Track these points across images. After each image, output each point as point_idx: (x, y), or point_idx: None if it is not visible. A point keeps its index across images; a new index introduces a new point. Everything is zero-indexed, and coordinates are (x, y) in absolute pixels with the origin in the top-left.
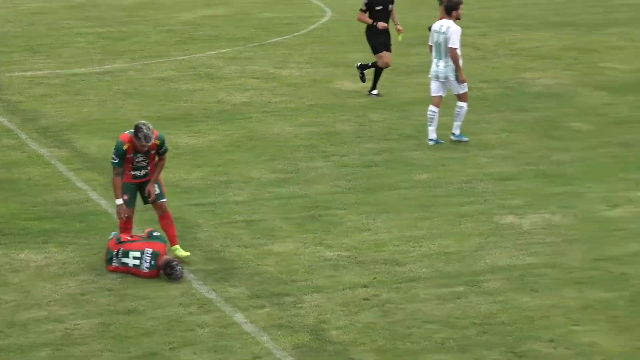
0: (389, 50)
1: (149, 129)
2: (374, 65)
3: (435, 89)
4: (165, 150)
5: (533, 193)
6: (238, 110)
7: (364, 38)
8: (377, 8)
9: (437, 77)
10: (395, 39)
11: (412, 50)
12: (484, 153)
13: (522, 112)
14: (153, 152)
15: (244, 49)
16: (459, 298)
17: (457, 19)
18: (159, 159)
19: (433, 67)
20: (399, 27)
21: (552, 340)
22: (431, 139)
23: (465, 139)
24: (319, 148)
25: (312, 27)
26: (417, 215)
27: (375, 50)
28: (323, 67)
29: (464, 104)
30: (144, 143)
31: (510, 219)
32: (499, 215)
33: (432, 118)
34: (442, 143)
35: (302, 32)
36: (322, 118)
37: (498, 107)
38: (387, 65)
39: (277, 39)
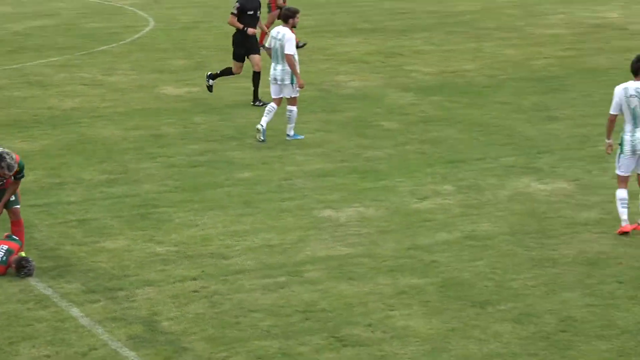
0: (257, 53)
1: (12, 158)
2: (225, 72)
3: (274, 92)
4: (22, 177)
5: (348, 188)
6: (68, 115)
7: (187, 45)
8: (249, 13)
9: (275, 80)
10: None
11: (231, 56)
12: (301, 152)
13: (335, 112)
14: (10, 176)
15: (73, 57)
16: (282, 288)
17: (293, 26)
18: (14, 182)
19: (271, 71)
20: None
21: (369, 325)
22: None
23: (301, 136)
24: (146, 150)
25: (136, 36)
26: (241, 212)
27: (237, 57)
28: (148, 74)
29: (293, 108)
30: (6, 172)
31: (327, 212)
32: (317, 210)
33: (289, 116)
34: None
35: (127, 40)
36: (149, 121)
37: (313, 109)
38: (238, 72)
39: (103, 48)
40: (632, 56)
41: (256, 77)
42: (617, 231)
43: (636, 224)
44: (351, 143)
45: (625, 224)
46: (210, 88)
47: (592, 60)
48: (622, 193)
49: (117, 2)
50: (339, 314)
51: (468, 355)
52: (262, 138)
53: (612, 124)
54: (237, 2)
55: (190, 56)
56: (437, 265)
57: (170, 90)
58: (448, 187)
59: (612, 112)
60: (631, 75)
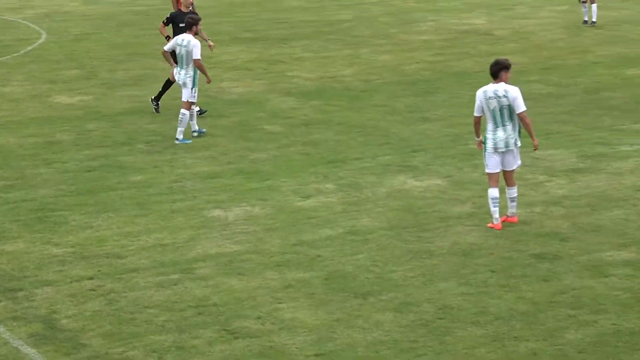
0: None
1: None
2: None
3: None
4: None
5: (235, 189)
6: None
7: (78, 56)
8: (180, 25)
9: (179, 83)
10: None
11: (120, 65)
12: (190, 155)
13: (221, 117)
14: None
15: None
16: (175, 284)
17: (195, 33)
18: None
19: (176, 75)
20: (210, 43)
21: (259, 318)
22: (194, 131)
23: (189, 141)
24: (42, 156)
25: (29, 48)
26: (134, 213)
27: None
28: (41, 84)
29: (186, 112)
30: None
31: (216, 212)
32: (206, 210)
33: (181, 119)
34: (203, 132)
35: (21, 52)
36: (43, 129)
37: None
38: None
39: None
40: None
41: (169, 83)
42: (489, 224)
43: (505, 217)
44: (237, 146)
45: (497, 222)
46: (157, 109)
47: (460, 64)
48: (493, 192)
49: (10, 16)
50: (230, 308)
51: (353, 344)
52: (195, 135)
53: (478, 125)
54: (169, 13)
55: (81, 66)
56: (321, 259)
57: (63, 99)
58: (330, 186)
59: (475, 114)
60: (491, 78)
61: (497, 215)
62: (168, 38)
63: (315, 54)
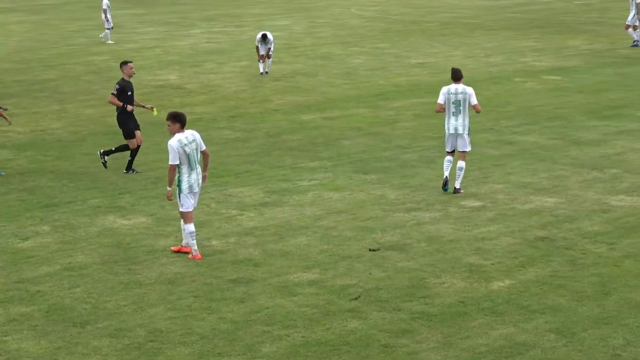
0: (138, 129)
1: None
2: (120, 149)
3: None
4: None
5: None
6: None
7: None
8: (129, 93)
9: None
10: (150, 115)
11: None
12: None
13: None
14: None
15: None
16: None
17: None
18: None
19: None
20: (148, 106)
21: None
22: None
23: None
24: None
25: None
26: None
27: (128, 135)
28: None
29: None
30: None
31: None
32: None
33: None
34: None
35: None
36: None
37: None
38: (139, 145)
39: None
40: (191, 109)
41: (137, 149)
42: (189, 256)
43: (179, 247)
44: None
45: (196, 253)
46: (105, 164)
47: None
48: (190, 227)
49: None
50: None
51: None
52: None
53: (172, 173)
54: (117, 84)
55: None
56: (41, 294)
57: None
58: (46, 228)
59: (172, 163)
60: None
61: (196, 247)
62: (124, 106)
63: (25, 110)
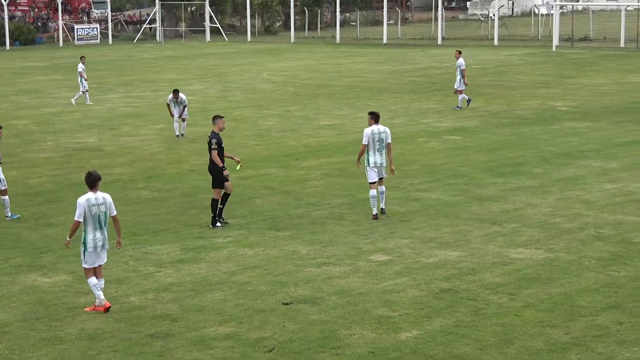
0: (228, 180)
1: None
2: (216, 205)
3: None
4: None
5: None
6: None
7: None
8: (222, 146)
9: None
10: (234, 168)
11: None
12: None
13: None
14: None
15: None
16: None
17: None
18: None
19: None
20: (237, 159)
21: None
22: None
23: None
24: None
25: None
26: None
27: (219, 185)
28: None
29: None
30: None
31: None
32: None
33: None
34: None
35: None
36: None
37: None
38: (231, 191)
39: None
40: (110, 171)
41: (226, 198)
42: (88, 308)
43: (93, 307)
44: None
45: (105, 302)
46: (223, 223)
47: (77, 177)
48: (93, 281)
49: None
50: None
51: None
52: None
53: (75, 228)
54: (213, 138)
55: None
56: None
57: None
58: None
59: (76, 219)
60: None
61: (102, 297)
62: (223, 168)
63: None
